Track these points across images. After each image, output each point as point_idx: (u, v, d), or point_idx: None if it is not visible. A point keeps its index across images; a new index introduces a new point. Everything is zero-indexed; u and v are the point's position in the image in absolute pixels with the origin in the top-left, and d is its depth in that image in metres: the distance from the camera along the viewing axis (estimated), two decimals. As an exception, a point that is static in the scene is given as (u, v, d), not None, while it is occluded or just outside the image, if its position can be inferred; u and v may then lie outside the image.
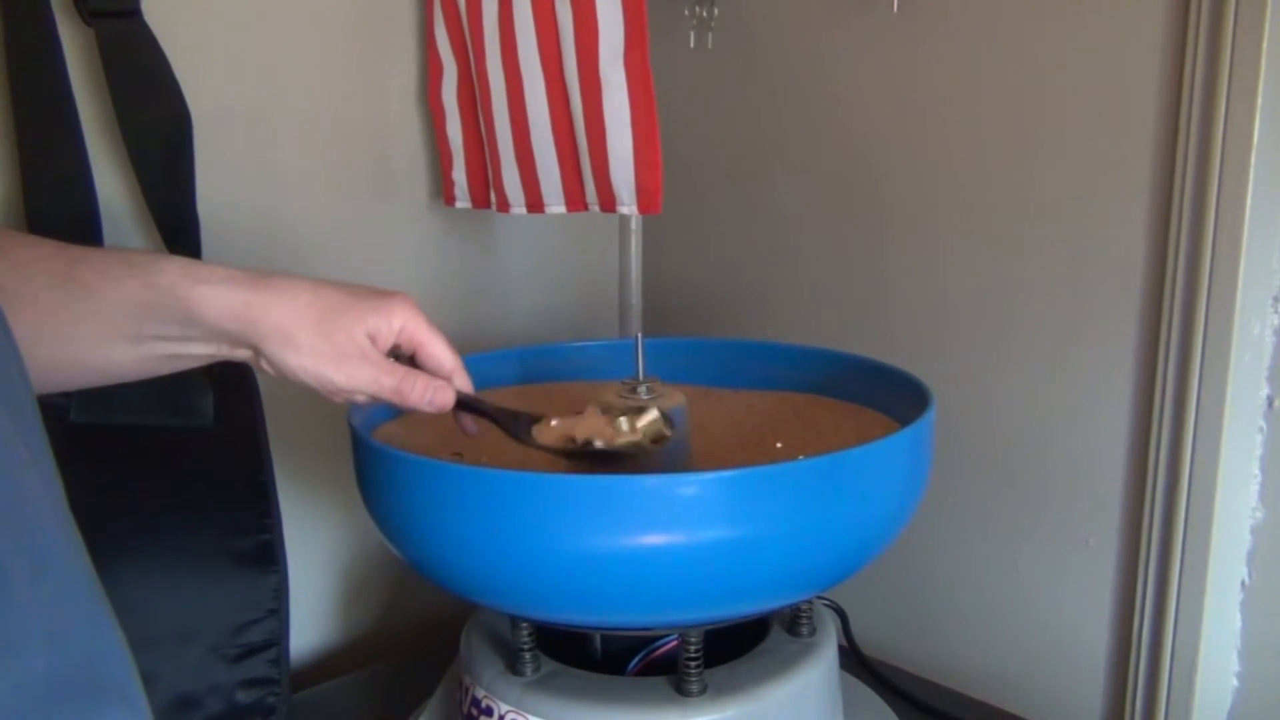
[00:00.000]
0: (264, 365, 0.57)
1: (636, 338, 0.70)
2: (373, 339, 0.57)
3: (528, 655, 0.64)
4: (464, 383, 0.62)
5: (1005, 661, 0.87)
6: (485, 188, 0.94)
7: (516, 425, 0.62)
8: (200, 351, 0.56)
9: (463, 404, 0.61)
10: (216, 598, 0.74)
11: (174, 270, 0.53)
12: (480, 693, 0.65)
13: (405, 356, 0.60)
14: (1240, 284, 0.68)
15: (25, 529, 0.36)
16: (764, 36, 0.97)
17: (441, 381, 0.60)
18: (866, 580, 0.69)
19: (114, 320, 0.53)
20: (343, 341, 0.56)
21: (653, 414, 0.63)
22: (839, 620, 0.87)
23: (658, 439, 0.62)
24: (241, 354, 0.57)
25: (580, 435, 0.62)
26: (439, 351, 0.60)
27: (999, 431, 0.84)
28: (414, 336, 0.59)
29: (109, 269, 0.53)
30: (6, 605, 0.34)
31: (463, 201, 0.96)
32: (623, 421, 0.63)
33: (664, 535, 0.53)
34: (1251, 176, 0.67)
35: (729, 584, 0.57)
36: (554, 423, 0.63)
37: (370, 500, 0.64)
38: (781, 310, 1.00)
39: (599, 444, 0.62)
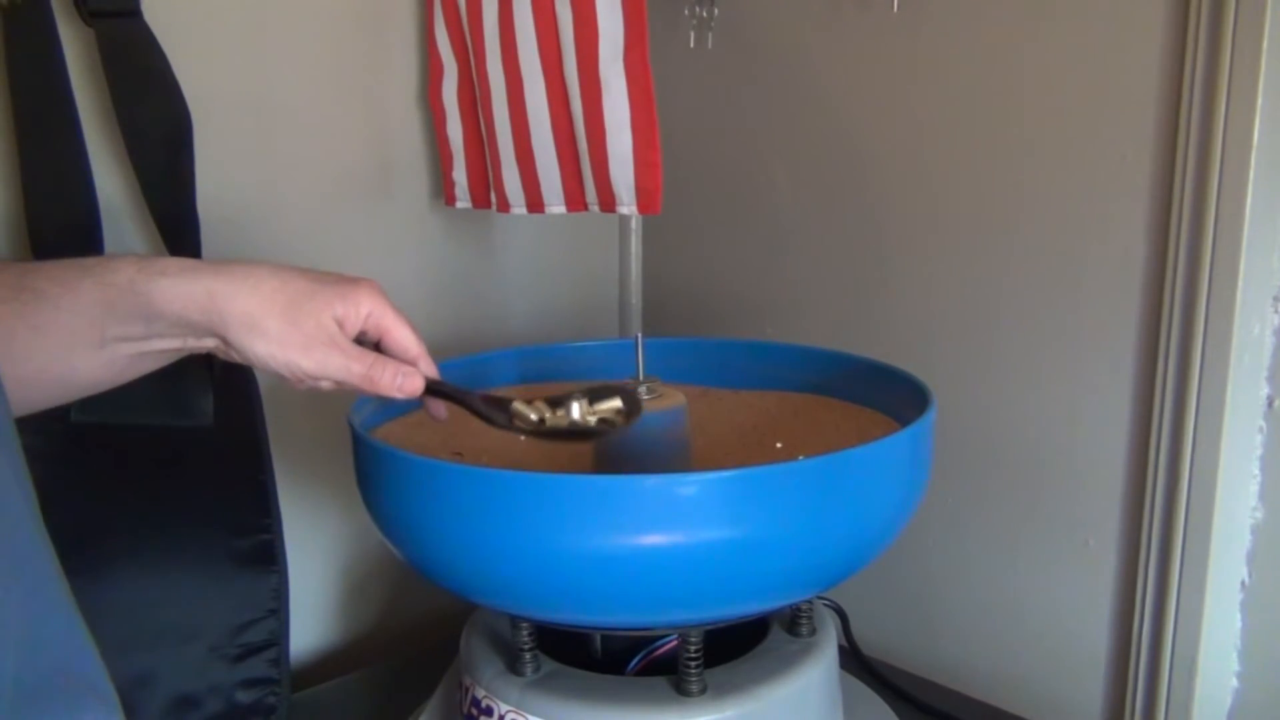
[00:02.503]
0: (232, 354, 0.56)
1: (636, 338, 0.69)
2: (340, 325, 0.57)
3: (528, 655, 0.64)
4: (429, 368, 0.61)
5: (1005, 661, 0.87)
6: (485, 188, 0.94)
7: (486, 407, 0.62)
8: (165, 347, 0.55)
9: (430, 389, 0.61)
10: (216, 598, 0.74)
11: (129, 267, 0.52)
12: (480, 693, 0.65)
13: (370, 343, 0.60)
14: (1240, 284, 0.68)
15: (2, 533, 0.36)
16: (764, 36, 0.97)
17: (410, 367, 0.59)
18: (866, 580, 0.69)
19: (74, 326, 0.52)
20: (311, 328, 0.55)
21: (614, 401, 0.63)
22: (839, 620, 0.87)
23: (629, 415, 0.62)
24: (209, 343, 0.56)
25: (549, 418, 0.62)
26: (404, 337, 0.59)
27: (999, 431, 0.84)
28: (380, 322, 0.58)
29: (62, 275, 0.52)
30: None
31: (463, 201, 0.96)
32: (585, 403, 0.63)
33: (664, 535, 0.53)
34: (1251, 176, 0.67)
35: (729, 584, 0.57)
36: (520, 405, 0.62)
37: (370, 500, 0.64)
38: (781, 310, 1.00)
39: (576, 412, 0.61)
